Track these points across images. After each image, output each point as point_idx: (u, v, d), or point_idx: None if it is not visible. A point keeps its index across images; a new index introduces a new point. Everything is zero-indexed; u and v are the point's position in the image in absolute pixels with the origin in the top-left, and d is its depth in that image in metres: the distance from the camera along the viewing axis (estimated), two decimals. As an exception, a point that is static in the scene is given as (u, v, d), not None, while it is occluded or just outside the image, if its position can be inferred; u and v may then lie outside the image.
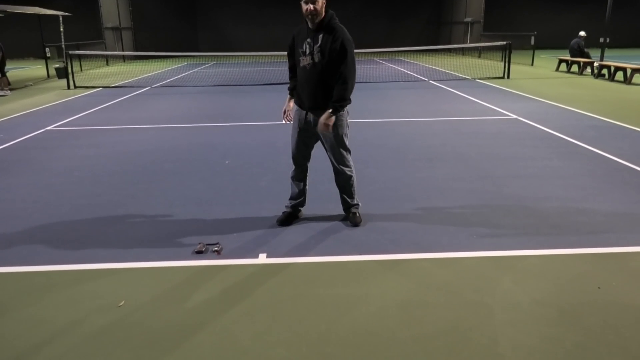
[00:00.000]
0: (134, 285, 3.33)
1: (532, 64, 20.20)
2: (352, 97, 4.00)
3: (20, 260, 3.71)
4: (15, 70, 21.13)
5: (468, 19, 28.51)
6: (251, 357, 2.58)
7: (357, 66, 3.99)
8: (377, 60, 24.89)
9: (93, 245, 3.94)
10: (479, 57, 25.64)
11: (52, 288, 3.30)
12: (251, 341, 2.71)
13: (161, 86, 15.19)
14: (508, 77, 15.40)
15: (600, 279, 3.31)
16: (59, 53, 20.60)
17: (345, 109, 4.06)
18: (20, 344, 2.72)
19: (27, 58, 29.38)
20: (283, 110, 4.26)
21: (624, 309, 2.95)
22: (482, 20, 28.13)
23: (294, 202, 4.35)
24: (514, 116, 9.11)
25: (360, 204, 4.39)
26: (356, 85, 4.06)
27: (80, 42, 22.49)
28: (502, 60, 17.10)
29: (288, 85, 4.30)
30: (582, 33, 17.74)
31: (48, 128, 8.78)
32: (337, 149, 4.12)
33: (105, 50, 25.63)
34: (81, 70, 19.95)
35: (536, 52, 21.56)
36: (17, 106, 11.42)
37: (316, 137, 4.16)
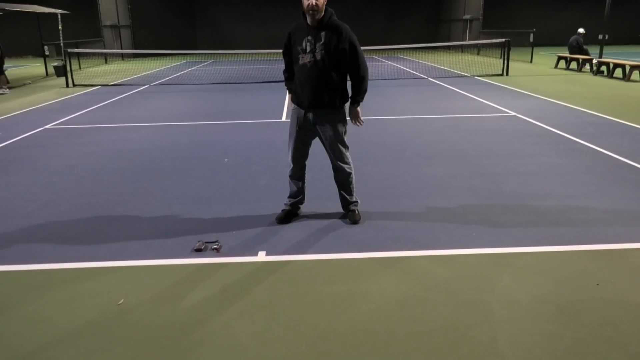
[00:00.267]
0: (134, 283, 3.33)
1: (531, 61, 20.20)
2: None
3: (19, 259, 3.71)
4: (14, 68, 21.09)
5: (467, 16, 28.49)
6: (250, 355, 2.59)
7: None
8: (376, 57, 24.87)
9: (92, 244, 3.95)
10: (478, 54, 25.63)
11: (52, 286, 3.30)
12: (250, 339, 2.72)
13: (160, 84, 15.17)
14: (507, 74, 15.40)
15: (599, 275, 3.32)
16: (57, 51, 20.58)
17: (345, 106, 4.09)
18: (20, 342, 2.72)
19: (25, 56, 29.32)
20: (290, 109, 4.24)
21: (622, 306, 2.96)
22: (481, 18, 28.12)
23: (293, 200, 4.35)
24: (513, 113, 9.11)
25: (359, 201, 4.39)
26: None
27: (79, 41, 22.45)
28: (501, 58, 17.11)
29: (285, 83, 4.28)
30: (581, 30, 17.73)
31: (47, 126, 8.77)
32: (337, 146, 4.12)
33: (104, 49, 25.58)
34: (80, 68, 19.94)
35: (535, 49, 21.56)
36: (16, 104, 11.40)
37: (314, 135, 4.16)
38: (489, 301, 3.03)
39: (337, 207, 4.43)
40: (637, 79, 13.89)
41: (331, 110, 4.03)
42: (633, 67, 13.81)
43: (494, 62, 19.13)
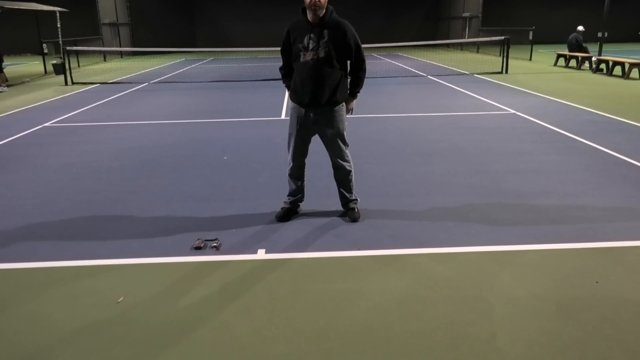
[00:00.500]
0: (133, 281, 3.33)
1: (531, 59, 20.19)
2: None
3: (19, 257, 3.70)
4: (13, 66, 21.06)
5: (466, 14, 28.46)
6: (250, 353, 2.59)
7: None
8: (375, 55, 24.85)
9: (92, 241, 3.94)
10: (477, 52, 25.60)
11: (51, 284, 3.30)
12: (250, 337, 2.72)
13: (159, 82, 15.15)
14: (506, 72, 15.39)
15: (598, 273, 3.32)
16: (56, 49, 20.55)
17: (343, 104, 4.10)
18: (19, 340, 2.72)
19: (24, 54, 29.27)
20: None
21: (622, 303, 2.96)
22: (480, 15, 28.11)
23: (292, 198, 4.35)
24: (512, 111, 9.11)
25: (358, 199, 4.39)
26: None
27: (78, 38, 22.41)
28: (500, 55, 17.10)
29: (282, 81, 4.25)
30: (580, 28, 17.72)
31: (46, 124, 8.76)
32: (337, 143, 4.12)
33: (103, 46, 25.54)
34: (79, 66, 19.91)
35: (534, 47, 21.55)
36: (15, 102, 11.38)
37: (314, 133, 4.16)
38: (489, 299, 3.03)
39: (337, 205, 4.43)
40: (637, 76, 13.89)
41: (332, 107, 4.02)
42: (632, 65, 13.80)
43: (493, 60, 19.12)
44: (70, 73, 14.98)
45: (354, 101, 4.27)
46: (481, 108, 9.53)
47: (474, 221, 4.20)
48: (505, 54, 15.82)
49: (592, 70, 15.61)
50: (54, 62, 17.56)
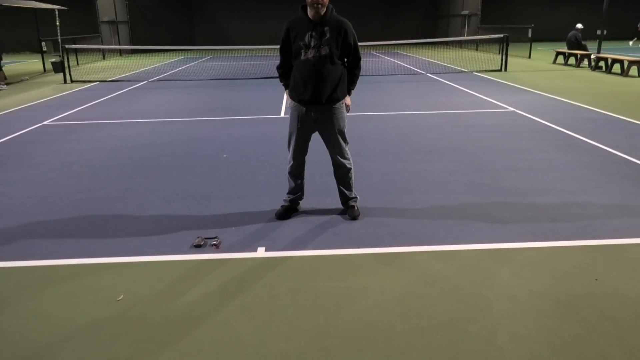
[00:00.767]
0: (133, 279, 3.33)
1: (530, 57, 20.19)
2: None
3: (18, 255, 3.70)
4: (12, 64, 21.02)
5: (465, 12, 28.44)
6: (250, 351, 2.59)
7: None
8: (374, 53, 24.82)
9: (91, 240, 3.94)
10: (477, 49, 25.60)
11: (51, 282, 3.30)
12: (250, 335, 2.72)
13: (158, 80, 15.14)
14: (505, 69, 15.39)
15: (597, 270, 3.32)
16: (55, 47, 20.53)
17: (343, 102, 4.10)
18: (19, 339, 2.72)
19: (23, 52, 29.22)
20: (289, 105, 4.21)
21: (621, 301, 2.97)
22: (479, 13, 28.08)
23: (292, 196, 4.35)
24: (511, 109, 9.11)
25: (358, 197, 4.39)
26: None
27: (77, 36, 22.39)
28: (499, 53, 17.09)
29: (280, 79, 4.22)
30: (579, 25, 17.72)
31: (45, 122, 8.75)
32: (338, 141, 4.12)
33: (102, 44, 25.51)
34: (78, 64, 19.88)
35: (533, 44, 21.55)
36: (13, 101, 11.37)
37: (315, 131, 4.16)
38: (488, 297, 3.04)
39: (336, 203, 4.43)
40: (635, 74, 13.89)
41: (332, 105, 4.03)
42: (631, 63, 13.81)
43: (492, 58, 19.11)
44: (69, 71, 14.97)
45: (349, 98, 4.28)
46: (480, 106, 9.53)
47: (473, 219, 4.20)
48: (504, 52, 15.81)
49: (591, 68, 15.61)
50: (53, 60, 17.53)
